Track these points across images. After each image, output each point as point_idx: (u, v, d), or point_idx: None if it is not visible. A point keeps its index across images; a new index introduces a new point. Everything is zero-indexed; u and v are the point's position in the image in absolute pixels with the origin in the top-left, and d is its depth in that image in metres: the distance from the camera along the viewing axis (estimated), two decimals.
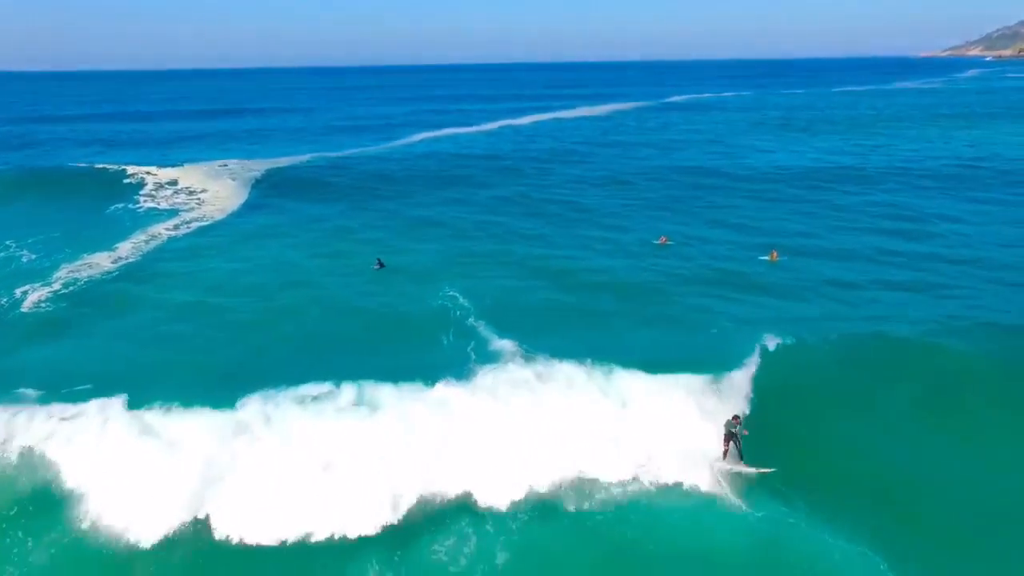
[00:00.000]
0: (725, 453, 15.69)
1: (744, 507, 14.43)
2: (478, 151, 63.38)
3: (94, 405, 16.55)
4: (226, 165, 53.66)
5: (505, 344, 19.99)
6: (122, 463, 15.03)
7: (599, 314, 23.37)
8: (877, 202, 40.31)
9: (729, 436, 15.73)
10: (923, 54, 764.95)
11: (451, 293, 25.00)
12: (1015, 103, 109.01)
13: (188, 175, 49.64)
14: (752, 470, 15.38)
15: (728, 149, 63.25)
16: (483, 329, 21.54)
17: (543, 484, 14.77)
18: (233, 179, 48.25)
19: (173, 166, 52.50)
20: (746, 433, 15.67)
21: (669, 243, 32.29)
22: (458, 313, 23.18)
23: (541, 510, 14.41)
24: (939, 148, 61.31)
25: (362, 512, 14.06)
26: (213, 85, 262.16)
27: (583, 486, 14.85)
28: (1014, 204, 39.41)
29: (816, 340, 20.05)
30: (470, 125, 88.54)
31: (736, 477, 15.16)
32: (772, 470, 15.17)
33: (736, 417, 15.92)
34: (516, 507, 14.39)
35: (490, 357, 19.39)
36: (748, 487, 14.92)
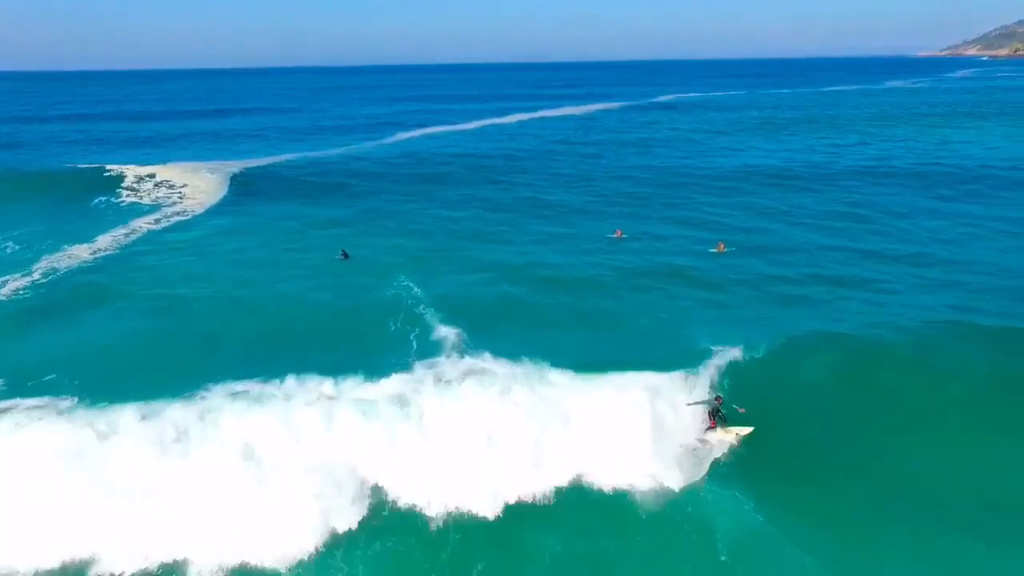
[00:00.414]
0: (712, 426, 17.15)
1: (683, 504, 15.18)
2: (457, 150, 64.97)
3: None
4: (208, 164, 55.17)
5: (449, 336, 21.18)
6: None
7: (541, 308, 24.59)
8: (834, 199, 41.92)
9: (713, 412, 17.25)
10: (921, 54, 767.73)
11: (407, 284, 26.52)
12: (995, 102, 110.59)
13: (170, 173, 51.10)
14: (735, 433, 16.86)
15: (702, 148, 64.94)
16: (431, 323, 22.60)
17: (485, 488, 15.15)
18: (213, 177, 49.73)
19: (156, 164, 54.00)
20: (741, 411, 17.02)
21: (623, 236, 34.03)
22: (409, 306, 24.32)
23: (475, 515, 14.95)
24: (909, 147, 62.90)
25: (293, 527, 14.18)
26: (205, 85, 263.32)
27: (509, 489, 15.30)
28: (968, 202, 40.97)
29: (753, 335, 21.03)
30: (454, 123, 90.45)
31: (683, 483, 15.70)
32: (752, 429, 16.72)
33: (719, 398, 17.47)
34: (454, 511, 14.93)
35: (433, 351, 20.46)
36: (691, 491, 15.50)
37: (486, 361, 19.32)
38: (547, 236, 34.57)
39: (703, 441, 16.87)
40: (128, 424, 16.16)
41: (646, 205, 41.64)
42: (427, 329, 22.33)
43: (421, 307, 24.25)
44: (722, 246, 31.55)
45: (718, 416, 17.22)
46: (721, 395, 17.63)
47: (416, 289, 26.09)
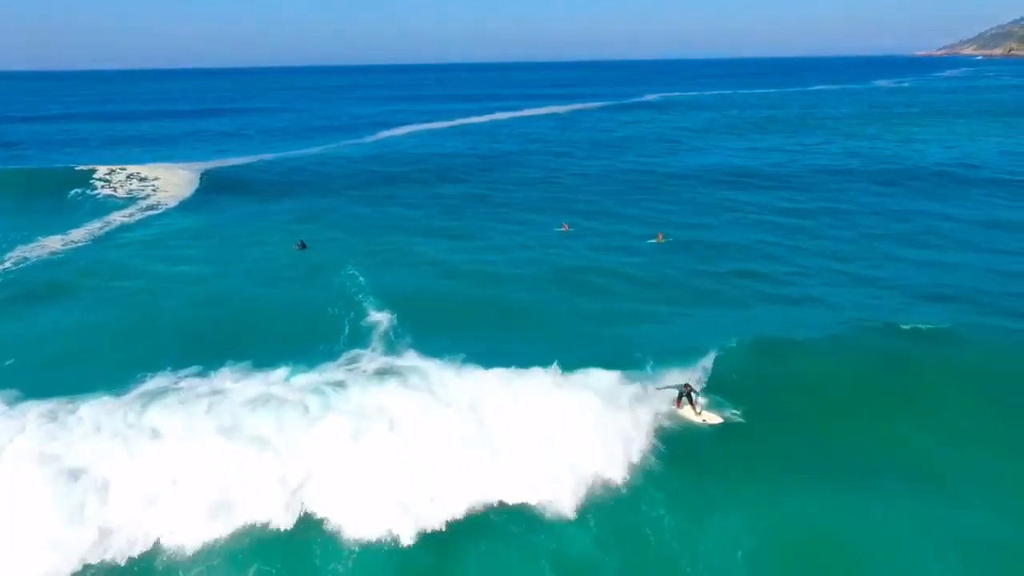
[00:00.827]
0: (679, 405, 17.41)
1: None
2: (429, 150, 66.70)
3: None
4: (186, 164, 56.66)
5: (380, 329, 22.30)
6: None
7: (475, 304, 25.72)
8: (782, 198, 43.68)
9: (682, 396, 17.44)
10: (919, 53, 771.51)
11: (353, 274, 27.94)
12: (970, 102, 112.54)
13: (146, 172, 52.41)
14: (703, 417, 17.08)
15: (671, 148, 66.76)
16: (367, 318, 23.61)
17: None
18: (186, 175, 51.28)
19: (134, 164, 55.38)
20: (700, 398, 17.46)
21: (570, 230, 35.98)
22: (351, 300, 25.41)
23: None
24: (872, 145, 64.74)
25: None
26: (197, 85, 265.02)
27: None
28: (911, 198, 42.73)
29: (681, 329, 22.30)
30: (432, 122, 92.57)
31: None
32: (721, 420, 17.00)
33: (688, 385, 17.58)
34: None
35: (360, 343, 21.44)
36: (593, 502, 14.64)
37: (407, 359, 19.77)
38: (497, 233, 36.10)
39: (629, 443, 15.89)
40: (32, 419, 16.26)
41: (602, 202, 43.35)
42: (359, 325, 23.30)
43: (362, 302, 25.03)
44: (661, 236, 33.70)
45: (688, 397, 17.37)
46: (690, 384, 17.65)
47: (363, 279, 27.41)
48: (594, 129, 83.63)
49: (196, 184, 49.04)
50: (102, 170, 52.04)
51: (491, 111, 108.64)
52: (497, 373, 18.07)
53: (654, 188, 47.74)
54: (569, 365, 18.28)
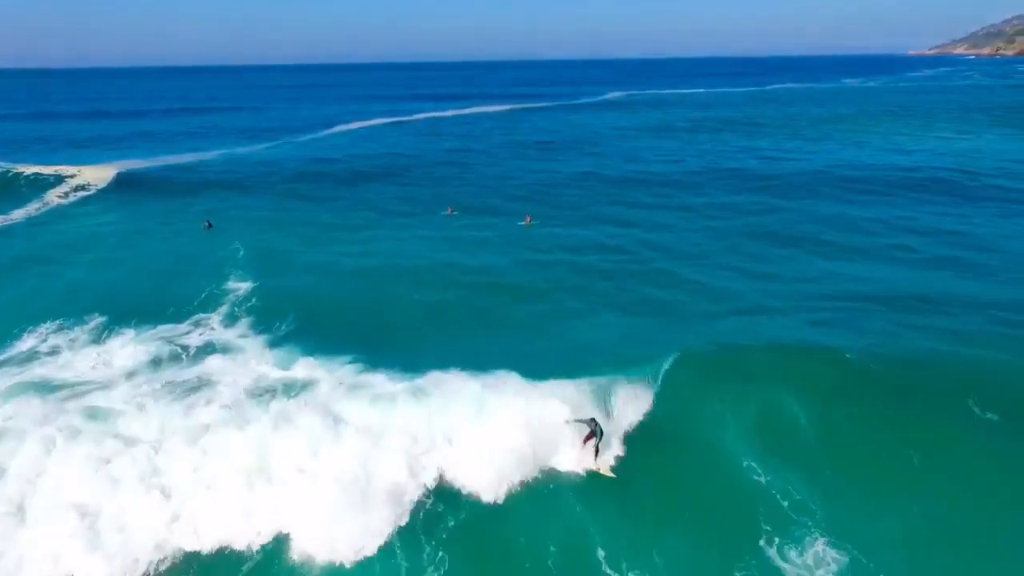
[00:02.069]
0: (585, 443, 16.01)
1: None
2: (366, 150, 69.99)
3: None
4: (125, 163, 59.39)
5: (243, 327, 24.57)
6: None
7: (348, 300, 27.44)
8: (669, 194, 46.82)
9: (589, 435, 16.00)
10: (911, 53, 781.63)
11: (242, 275, 30.49)
12: (928, 103, 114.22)
13: (83, 173, 54.21)
14: (600, 466, 15.89)
15: (600, 149, 69.24)
16: (236, 313, 25.72)
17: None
18: (114, 173, 54.28)
19: (69, 164, 57.19)
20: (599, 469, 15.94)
21: (454, 213, 40.25)
22: (226, 294, 27.62)
23: None
24: (806, 147, 65.97)
25: None
26: (174, 84, 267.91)
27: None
28: (811, 199, 43.72)
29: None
30: (383, 118, 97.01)
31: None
32: (614, 476, 15.79)
33: (593, 420, 16.16)
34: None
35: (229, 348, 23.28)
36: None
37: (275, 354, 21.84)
38: (385, 230, 38.55)
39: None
40: None
41: (489, 198, 46.64)
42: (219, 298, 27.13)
43: (245, 296, 27.13)
44: (529, 219, 37.92)
45: (594, 436, 16.00)
46: (596, 419, 16.28)
47: (247, 277, 29.39)
48: (527, 131, 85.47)
49: (121, 182, 52.11)
50: (27, 170, 54.56)
51: (443, 107, 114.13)
52: (308, 362, 20.64)
53: (559, 184, 51.00)
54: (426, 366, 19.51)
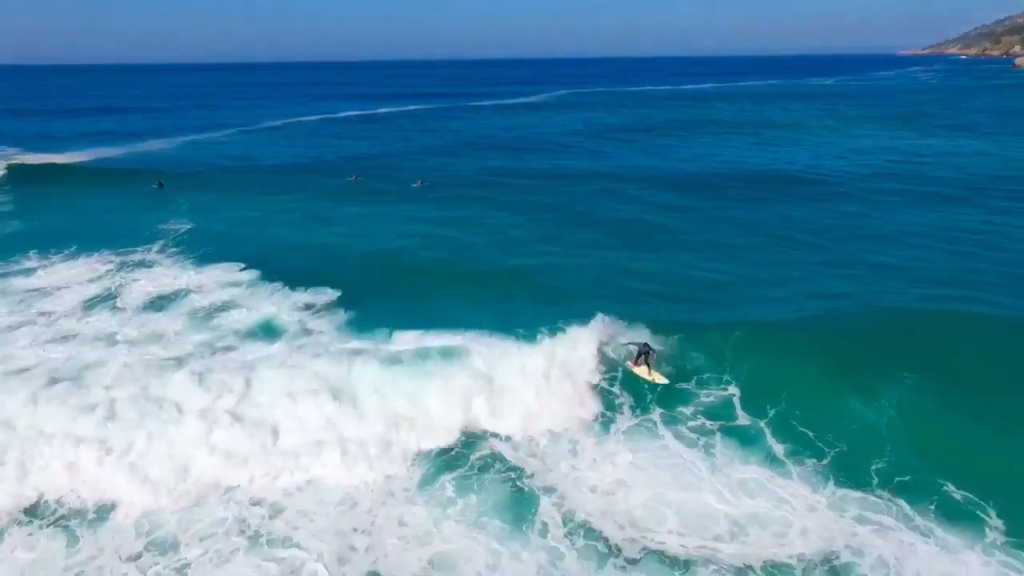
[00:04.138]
0: (636, 365, 19.61)
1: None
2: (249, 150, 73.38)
3: None
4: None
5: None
6: None
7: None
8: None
9: (639, 354, 19.57)
10: (902, 53, 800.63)
11: None
12: (881, 104, 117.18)
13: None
14: (654, 375, 19.35)
15: (505, 142, 75.32)
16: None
17: None
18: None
19: None
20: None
21: (358, 179, 51.18)
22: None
23: None
24: (731, 149, 67.33)
25: None
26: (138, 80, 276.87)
27: None
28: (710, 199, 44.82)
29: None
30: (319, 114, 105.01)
31: None
32: (667, 381, 19.28)
33: (647, 344, 19.84)
34: None
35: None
36: None
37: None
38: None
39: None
40: None
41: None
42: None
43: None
44: (420, 182, 48.92)
45: (644, 357, 19.47)
46: (649, 344, 19.94)
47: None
48: (426, 129, 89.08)
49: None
50: None
51: (376, 106, 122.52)
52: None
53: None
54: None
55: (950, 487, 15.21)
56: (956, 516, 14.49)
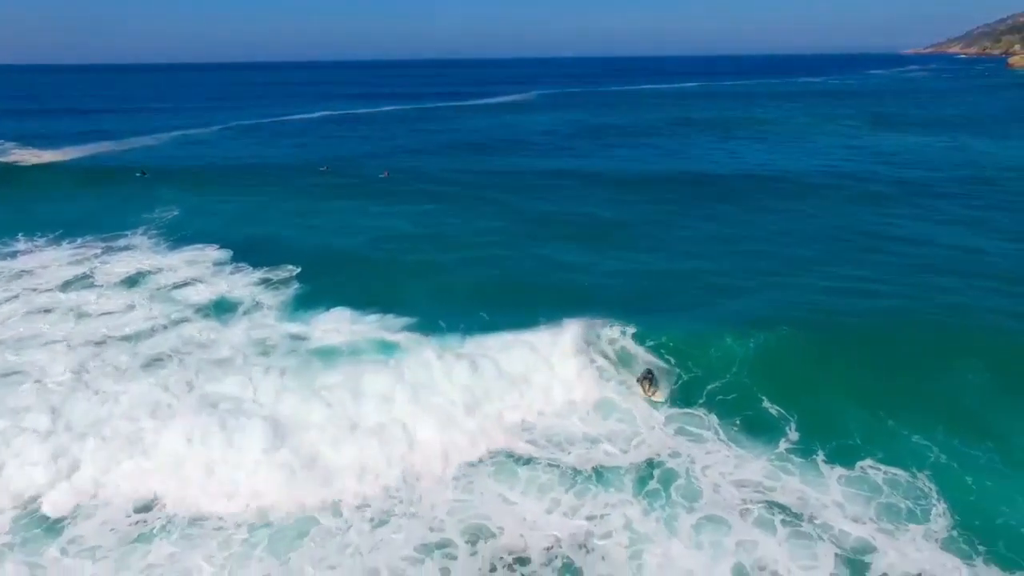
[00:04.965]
0: (647, 394, 20.09)
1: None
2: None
3: None
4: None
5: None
6: None
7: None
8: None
9: (643, 379, 20.32)
10: (906, 51, 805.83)
11: None
12: (854, 106, 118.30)
13: None
14: (660, 393, 20.10)
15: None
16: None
17: None
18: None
19: None
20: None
21: (329, 171, 55.34)
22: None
23: None
24: (687, 152, 69.13)
25: None
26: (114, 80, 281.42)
27: None
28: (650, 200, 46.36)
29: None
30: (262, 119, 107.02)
31: None
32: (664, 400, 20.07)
33: (648, 370, 20.73)
34: None
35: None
36: None
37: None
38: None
39: None
40: None
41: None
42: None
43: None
44: (387, 173, 52.99)
45: (648, 381, 20.27)
46: (649, 369, 20.90)
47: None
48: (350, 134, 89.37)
49: None
50: None
51: (338, 108, 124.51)
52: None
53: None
54: None
55: (765, 403, 19.12)
56: (760, 430, 18.35)
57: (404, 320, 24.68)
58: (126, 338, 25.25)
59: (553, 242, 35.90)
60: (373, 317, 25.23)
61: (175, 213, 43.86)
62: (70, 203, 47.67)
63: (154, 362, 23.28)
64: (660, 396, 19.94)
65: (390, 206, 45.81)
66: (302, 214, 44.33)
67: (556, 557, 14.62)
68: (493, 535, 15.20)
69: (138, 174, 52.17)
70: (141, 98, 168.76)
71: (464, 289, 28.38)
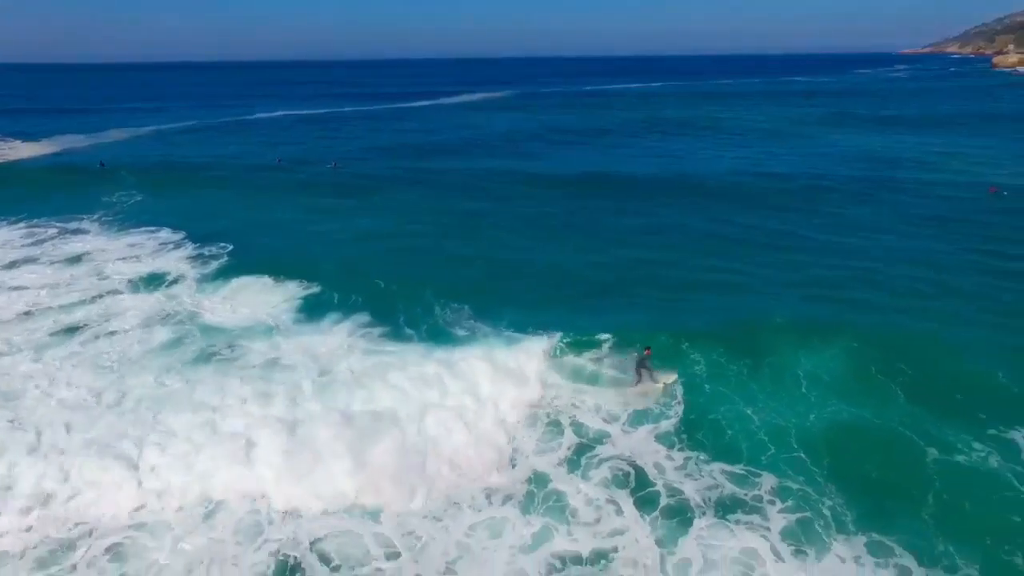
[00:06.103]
0: (637, 381, 19.33)
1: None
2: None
3: None
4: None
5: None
6: None
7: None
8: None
9: (640, 364, 19.43)
10: (902, 51, 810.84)
11: None
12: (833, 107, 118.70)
13: None
14: (662, 382, 19.40)
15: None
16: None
17: None
18: None
19: None
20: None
21: (282, 162, 59.67)
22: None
23: None
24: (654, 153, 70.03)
25: None
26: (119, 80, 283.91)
27: None
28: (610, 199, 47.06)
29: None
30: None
31: None
32: (675, 376, 19.72)
33: (648, 348, 19.81)
34: None
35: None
36: None
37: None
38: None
39: None
40: None
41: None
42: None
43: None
44: (335, 163, 57.62)
45: (644, 368, 19.39)
46: (650, 347, 20.00)
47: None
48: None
49: None
50: None
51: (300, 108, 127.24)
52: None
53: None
54: None
55: None
56: None
57: (311, 291, 28.63)
58: (49, 308, 28.56)
59: (470, 240, 37.61)
60: (283, 289, 29.14)
61: (134, 201, 47.97)
62: (32, 192, 51.39)
63: (68, 330, 26.51)
64: (654, 386, 19.51)
65: (336, 199, 49.07)
66: (250, 203, 47.58)
67: None
68: None
69: (99, 165, 56.51)
70: (119, 98, 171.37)
71: (371, 269, 30.86)
